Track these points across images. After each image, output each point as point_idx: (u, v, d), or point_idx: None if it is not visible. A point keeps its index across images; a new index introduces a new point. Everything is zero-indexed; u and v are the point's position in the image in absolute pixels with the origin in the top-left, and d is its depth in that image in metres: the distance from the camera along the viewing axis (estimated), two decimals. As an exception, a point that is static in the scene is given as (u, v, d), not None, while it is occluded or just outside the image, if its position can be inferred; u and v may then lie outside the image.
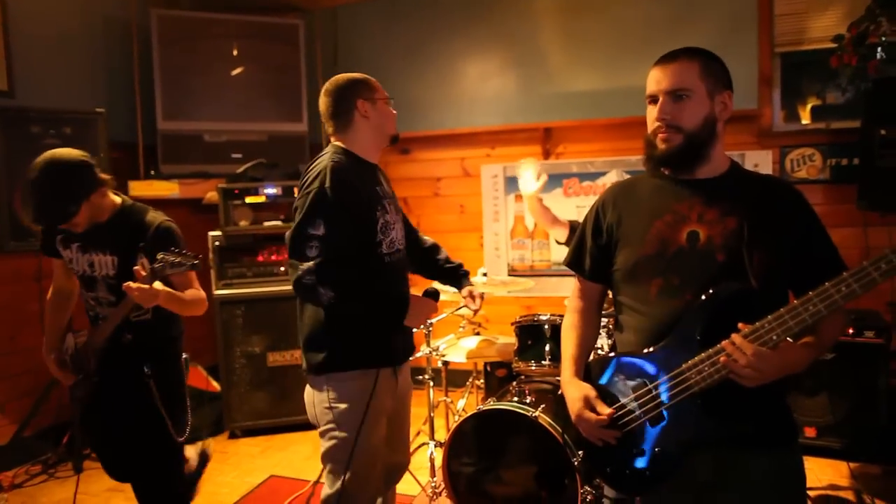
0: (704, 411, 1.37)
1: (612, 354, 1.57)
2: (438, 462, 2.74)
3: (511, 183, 4.34)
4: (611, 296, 1.68)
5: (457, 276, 2.39)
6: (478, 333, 3.41)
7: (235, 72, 4.25)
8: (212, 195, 3.95)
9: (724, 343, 1.32)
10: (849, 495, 2.88)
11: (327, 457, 2.01)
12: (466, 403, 3.33)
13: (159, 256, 1.95)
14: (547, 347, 2.75)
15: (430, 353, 2.96)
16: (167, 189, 3.93)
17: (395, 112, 2.13)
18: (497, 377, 3.35)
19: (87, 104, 3.67)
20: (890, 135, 2.98)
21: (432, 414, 3.03)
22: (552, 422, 2.39)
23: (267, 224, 3.88)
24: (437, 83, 4.52)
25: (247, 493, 3.15)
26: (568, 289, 1.79)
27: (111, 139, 3.65)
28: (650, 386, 1.44)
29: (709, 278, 1.39)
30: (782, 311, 1.28)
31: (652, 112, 1.48)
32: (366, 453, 1.97)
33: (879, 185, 3.09)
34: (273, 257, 3.92)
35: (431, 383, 2.96)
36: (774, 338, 1.28)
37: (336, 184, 1.87)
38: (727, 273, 1.38)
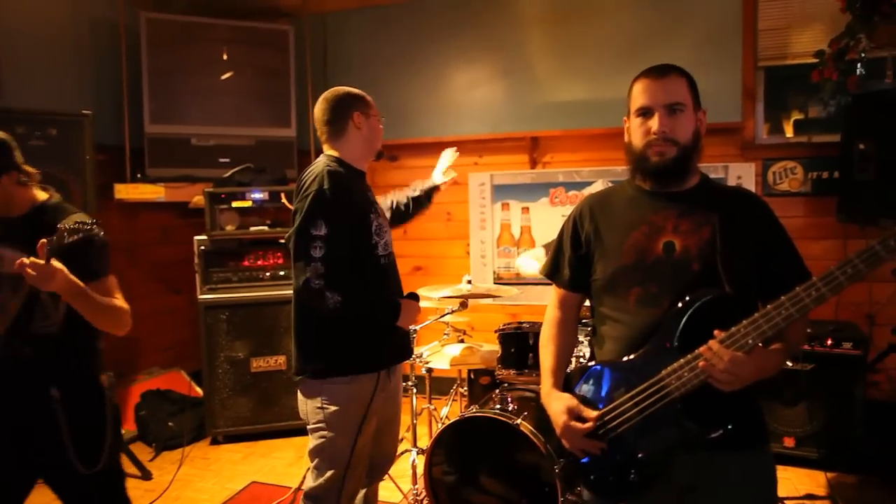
0: (685, 415, 1.40)
1: (591, 363, 1.59)
2: (420, 470, 2.75)
3: (498, 191, 4.37)
4: (588, 304, 1.70)
5: (431, 188, 2.67)
6: (462, 341, 3.41)
7: (224, 76, 4.26)
8: (198, 199, 3.93)
9: (702, 349, 1.35)
10: (826, 505, 2.92)
11: (314, 453, 2.09)
12: (450, 411, 3.33)
13: (58, 226, 1.62)
14: (530, 356, 2.76)
15: (415, 359, 2.97)
16: (153, 192, 3.91)
17: (382, 129, 2.25)
18: (481, 385, 3.36)
19: (74, 106, 3.65)
20: (868, 149, 3.03)
21: (415, 421, 3.03)
22: (534, 430, 2.41)
23: (253, 229, 3.87)
24: (426, 91, 4.54)
25: (227, 500, 3.13)
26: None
27: (97, 142, 3.63)
28: (632, 393, 1.45)
29: (685, 286, 1.43)
30: (756, 315, 1.32)
31: (642, 124, 1.50)
32: (354, 452, 2.04)
33: (858, 198, 3.15)
34: (259, 262, 3.91)
35: (415, 390, 2.97)
36: (750, 341, 1.32)
37: (333, 186, 1.95)
38: (703, 281, 1.42)
